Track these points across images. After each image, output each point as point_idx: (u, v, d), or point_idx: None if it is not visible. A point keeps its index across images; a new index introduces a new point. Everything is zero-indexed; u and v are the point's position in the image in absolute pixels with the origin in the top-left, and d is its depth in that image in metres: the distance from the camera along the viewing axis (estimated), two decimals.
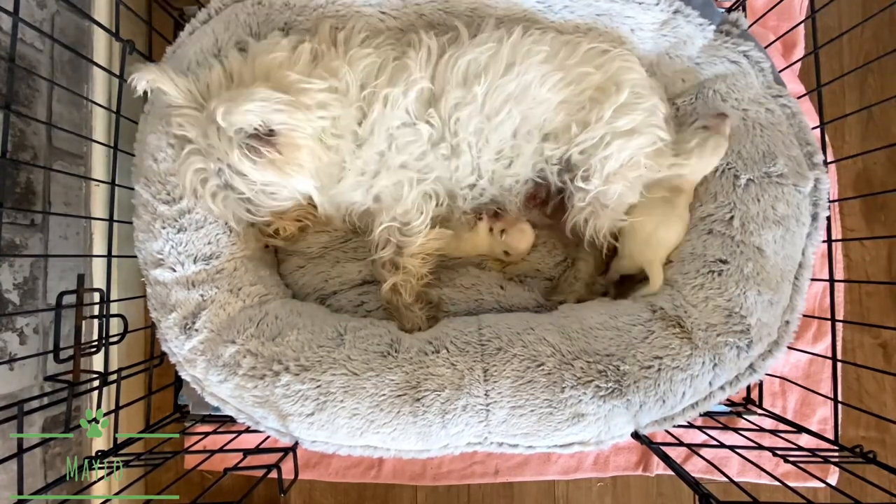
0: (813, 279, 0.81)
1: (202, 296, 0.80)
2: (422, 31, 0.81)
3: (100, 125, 0.95)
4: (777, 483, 0.71)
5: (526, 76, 0.78)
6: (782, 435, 0.83)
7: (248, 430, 0.85)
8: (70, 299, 0.77)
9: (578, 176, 0.82)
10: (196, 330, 0.78)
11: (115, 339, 0.85)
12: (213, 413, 0.95)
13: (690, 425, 0.85)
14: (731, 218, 0.82)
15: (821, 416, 1.07)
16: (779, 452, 0.74)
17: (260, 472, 0.72)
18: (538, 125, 0.81)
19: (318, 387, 0.75)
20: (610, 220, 0.84)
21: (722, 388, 0.78)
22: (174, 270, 0.79)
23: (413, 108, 0.79)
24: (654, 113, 0.82)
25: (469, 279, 0.96)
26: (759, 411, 0.94)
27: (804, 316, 0.80)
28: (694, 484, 0.64)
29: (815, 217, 0.80)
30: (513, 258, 0.94)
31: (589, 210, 0.84)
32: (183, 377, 0.81)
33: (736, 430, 0.86)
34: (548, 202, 0.90)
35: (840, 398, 0.83)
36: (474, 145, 0.81)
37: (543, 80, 0.79)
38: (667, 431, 0.81)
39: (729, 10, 0.94)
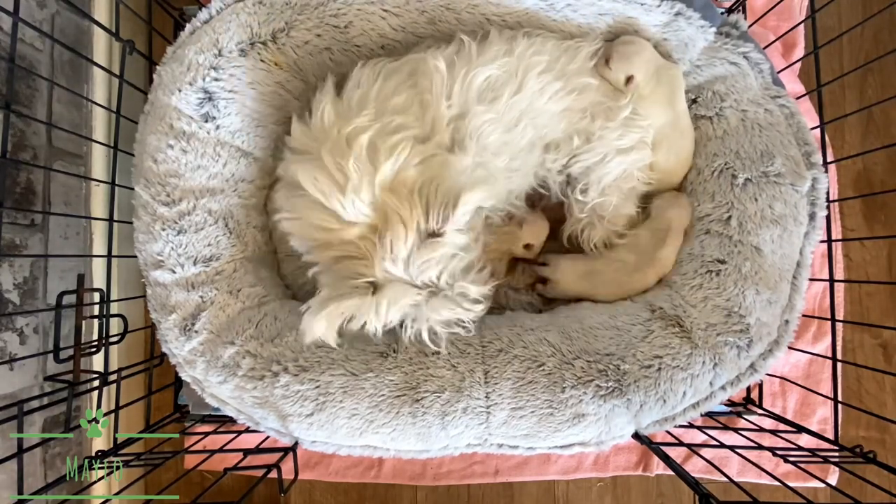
0: (813, 279, 0.81)
1: (202, 297, 0.80)
2: (427, 52, 0.78)
3: (100, 125, 0.95)
4: (777, 483, 0.71)
5: (530, 89, 0.77)
6: (782, 435, 0.83)
7: (248, 430, 0.85)
8: (70, 299, 0.77)
9: (578, 189, 0.84)
10: (196, 331, 0.78)
11: (115, 339, 0.85)
12: (213, 413, 0.95)
13: (690, 425, 0.85)
14: (729, 218, 0.82)
15: (821, 416, 1.07)
16: (779, 452, 0.74)
17: (260, 472, 0.72)
18: (541, 136, 0.81)
19: (318, 387, 0.75)
20: (604, 231, 0.87)
21: (723, 387, 0.78)
22: (174, 272, 0.79)
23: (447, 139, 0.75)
24: (648, 131, 0.83)
25: None
26: (759, 411, 0.94)
27: (804, 316, 0.80)
28: (694, 484, 0.64)
29: (812, 216, 0.80)
30: (534, 250, 0.92)
31: (586, 220, 0.86)
32: (183, 378, 0.81)
33: (736, 430, 0.86)
34: (535, 206, 0.92)
35: (840, 398, 0.83)
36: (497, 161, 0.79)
37: (543, 91, 0.78)
38: (667, 431, 0.81)
39: (728, 10, 0.95)
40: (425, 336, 0.71)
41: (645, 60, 0.82)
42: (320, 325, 0.66)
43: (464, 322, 0.71)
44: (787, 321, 0.78)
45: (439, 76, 0.74)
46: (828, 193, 0.80)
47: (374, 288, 0.67)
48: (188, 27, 0.81)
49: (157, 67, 0.80)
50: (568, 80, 0.80)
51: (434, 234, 0.66)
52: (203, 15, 0.81)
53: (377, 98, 0.72)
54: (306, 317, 0.67)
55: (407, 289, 0.67)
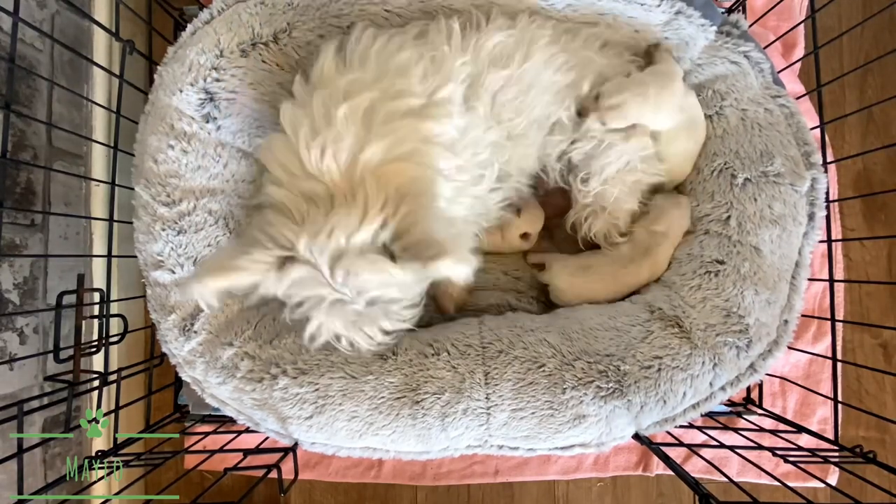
0: (813, 279, 0.81)
1: None
2: (441, 16, 0.76)
3: (100, 125, 0.95)
4: (777, 483, 0.71)
5: (538, 59, 0.76)
6: (782, 435, 0.83)
7: (248, 431, 0.85)
8: (70, 299, 0.77)
9: (579, 178, 0.84)
10: (195, 332, 0.78)
11: (115, 339, 0.85)
12: (213, 413, 0.95)
13: (690, 425, 0.85)
14: (728, 218, 0.82)
15: (821, 416, 1.07)
16: (779, 452, 0.74)
17: (260, 472, 0.72)
18: (547, 114, 0.80)
19: (317, 390, 0.75)
20: (605, 223, 0.87)
21: (723, 388, 0.78)
22: (174, 272, 0.79)
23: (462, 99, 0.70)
24: None
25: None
26: (759, 411, 0.94)
27: (804, 316, 0.80)
28: (694, 484, 0.64)
29: (811, 216, 0.80)
30: (531, 240, 0.93)
31: (590, 210, 0.86)
32: (183, 378, 0.81)
33: (736, 430, 0.86)
34: (537, 191, 0.92)
35: (840, 398, 0.83)
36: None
37: (548, 62, 0.77)
38: (667, 432, 0.81)
39: (729, 10, 0.95)
40: (323, 337, 0.61)
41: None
42: (205, 290, 0.56)
43: (357, 342, 0.61)
44: (786, 321, 0.78)
45: (455, 34, 0.72)
46: (827, 193, 0.80)
47: (282, 263, 0.57)
48: (189, 27, 0.81)
49: (158, 68, 0.80)
50: (572, 55, 0.79)
51: (388, 252, 0.56)
52: (204, 15, 0.81)
53: (380, 54, 0.66)
54: (195, 280, 0.57)
55: (316, 281, 0.56)
